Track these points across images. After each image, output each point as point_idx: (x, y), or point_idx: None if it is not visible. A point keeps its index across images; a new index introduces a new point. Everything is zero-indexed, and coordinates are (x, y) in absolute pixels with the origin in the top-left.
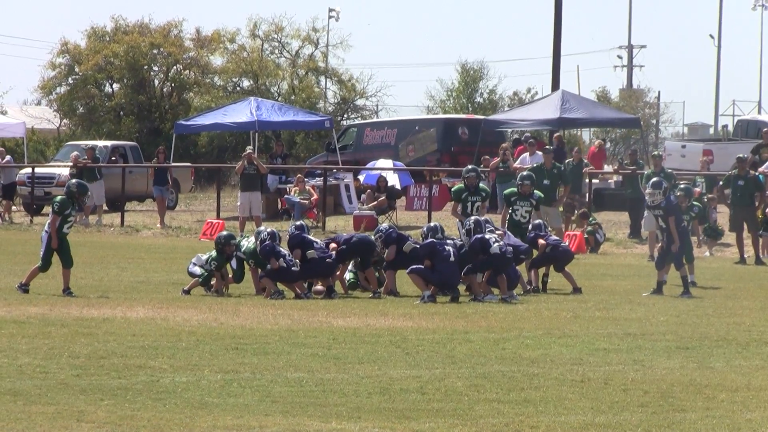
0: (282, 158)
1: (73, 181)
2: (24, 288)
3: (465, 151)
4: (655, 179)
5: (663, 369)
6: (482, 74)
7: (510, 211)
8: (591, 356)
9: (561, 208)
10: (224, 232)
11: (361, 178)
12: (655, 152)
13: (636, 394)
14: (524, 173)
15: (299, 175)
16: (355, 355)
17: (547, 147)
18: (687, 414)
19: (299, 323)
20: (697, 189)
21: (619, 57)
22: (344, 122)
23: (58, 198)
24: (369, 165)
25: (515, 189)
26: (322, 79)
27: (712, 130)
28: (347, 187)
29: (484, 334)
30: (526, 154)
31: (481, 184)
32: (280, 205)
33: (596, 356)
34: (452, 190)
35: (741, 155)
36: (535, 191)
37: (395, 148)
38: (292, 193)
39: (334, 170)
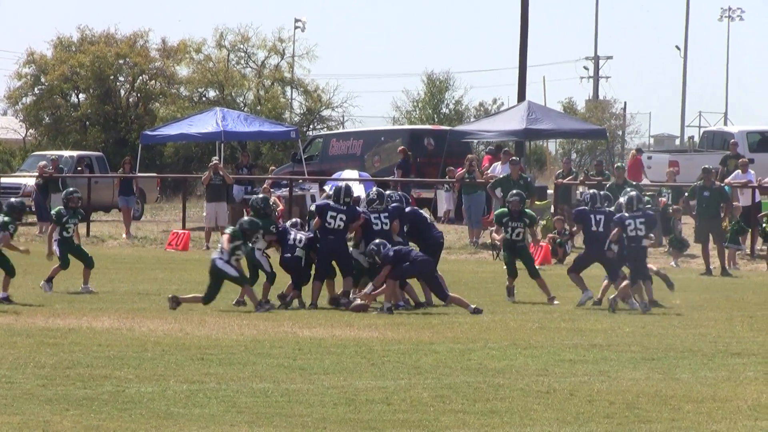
0: (248, 169)
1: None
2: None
3: (431, 162)
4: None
5: (629, 380)
6: (448, 85)
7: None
8: (557, 367)
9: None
10: (260, 195)
11: (327, 188)
12: (619, 164)
13: (602, 405)
14: (513, 191)
15: (265, 185)
16: (321, 366)
17: (514, 158)
18: (653, 425)
19: (265, 333)
20: (663, 199)
21: (586, 68)
22: (310, 133)
23: (56, 209)
24: (335, 176)
25: (506, 209)
26: (288, 89)
27: (678, 142)
28: (313, 197)
29: (450, 344)
30: (498, 164)
31: (527, 210)
32: (245, 216)
33: (562, 367)
34: (495, 213)
35: (707, 166)
36: (527, 209)
37: (361, 159)
38: None
39: (300, 181)
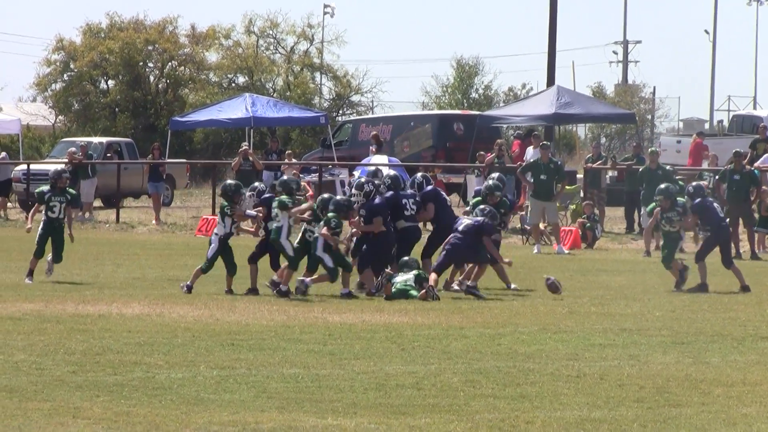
0: (277, 154)
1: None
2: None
3: (460, 147)
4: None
5: (659, 364)
6: (477, 70)
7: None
8: (586, 352)
9: (558, 203)
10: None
11: (357, 174)
12: (653, 148)
13: (632, 390)
14: (490, 183)
15: (295, 171)
16: (351, 351)
17: (545, 142)
18: (683, 409)
19: (295, 319)
20: (704, 182)
21: (615, 53)
22: (339, 118)
23: (40, 188)
24: (364, 161)
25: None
26: (317, 75)
27: (707, 125)
28: (342, 183)
29: (480, 329)
30: (530, 148)
31: (506, 198)
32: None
33: (592, 352)
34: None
35: (738, 150)
36: (505, 198)
37: (391, 144)
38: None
39: (330, 166)
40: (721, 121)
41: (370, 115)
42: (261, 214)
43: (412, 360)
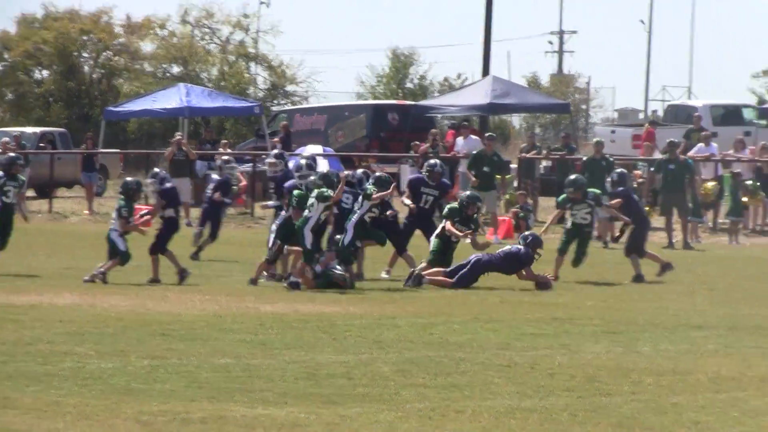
0: (211, 144)
1: None
2: None
3: (394, 136)
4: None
5: (590, 353)
6: (412, 60)
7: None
8: (518, 341)
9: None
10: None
11: (290, 164)
12: (597, 138)
13: (562, 379)
14: (471, 194)
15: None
16: (282, 341)
17: (490, 134)
18: (613, 398)
19: (226, 309)
20: (638, 171)
21: (550, 43)
22: (274, 108)
23: None
24: (298, 151)
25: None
26: (252, 65)
27: (642, 115)
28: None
29: (412, 319)
30: (460, 138)
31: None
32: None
33: (523, 341)
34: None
35: (672, 140)
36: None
37: (325, 134)
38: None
39: (264, 156)
40: (655, 111)
41: (304, 105)
42: (156, 208)
43: (343, 350)
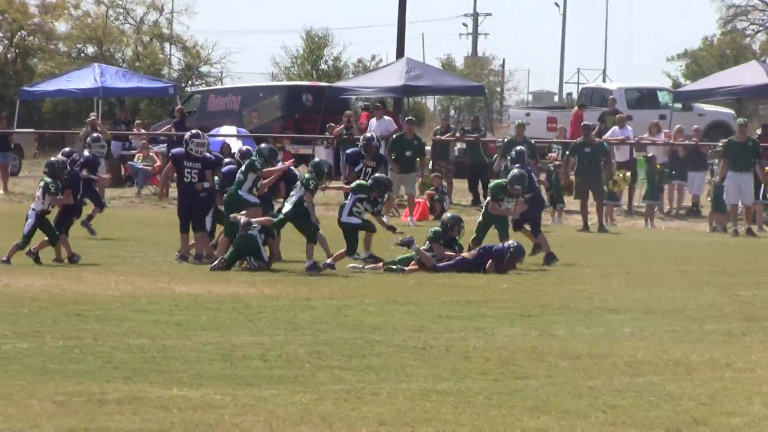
0: (126, 124)
1: None
2: None
3: (309, 118)
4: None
5: (505, 336)
6: (327, 41)
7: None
8: (433, 323)
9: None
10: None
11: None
12: (519, 121)
13: (477, 362)
14: (455, 216)
15: (143, 141)
16: (197, 322)
17: (410, 118)
18: (529, 381)
19: (141, 289)
20: (553, 154)
21: (465, 25)
22: (189, 89)
23: None
24: (213, 132)
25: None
26: (167, 45)
27: (556, 98)
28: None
29: (327, 301)
30: (374, 119)
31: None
32: (123, 172)
33: (438, 323)
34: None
35: (587, 123)
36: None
37: (239, 115)
38: (135, 160)
39: (177, 137)
40: (570, 94)
41: (219, 86)
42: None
43: (258, 331)
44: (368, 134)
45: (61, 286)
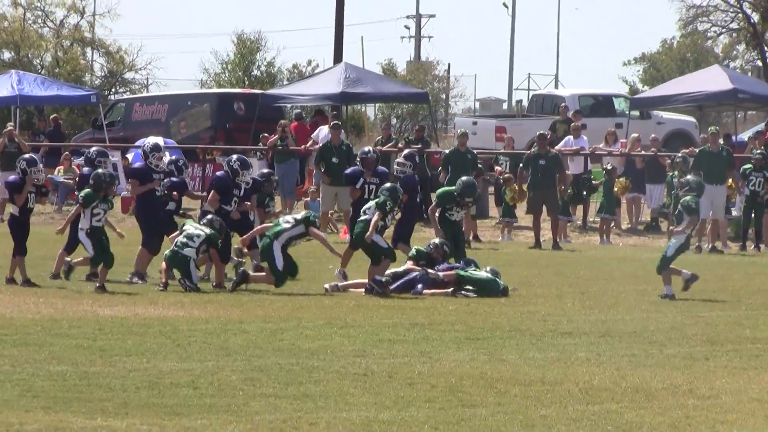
0: (45, 135)
1: None
2: None
3: (241, 127)
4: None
5: (452, 361)
6: (259, 45)
7: None
8: (375, 348)
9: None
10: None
11: (130, 156)
12: (462, 130)
13: (423, 389)
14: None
15: (66, 153)
16: (123, 347)
17: (336, 122)
18: (477, 409)
19: (62, 312)
20: (499, 168)
21: (407, 27)
22: (112, 97)
23: None
24: (138, 143)
25: None
26: (89, 50)
27: (505, 106)
28: (114, 166)
29: (261, 324)
30: (324, 127)
31: None
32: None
33: (380, 348)
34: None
35: (542, 132)
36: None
37: (166, 125)
38: (56, 173)
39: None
40: (520, 101)
41: (144, 94)
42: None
43: (187, 356)
44: (364, 148)
45: None
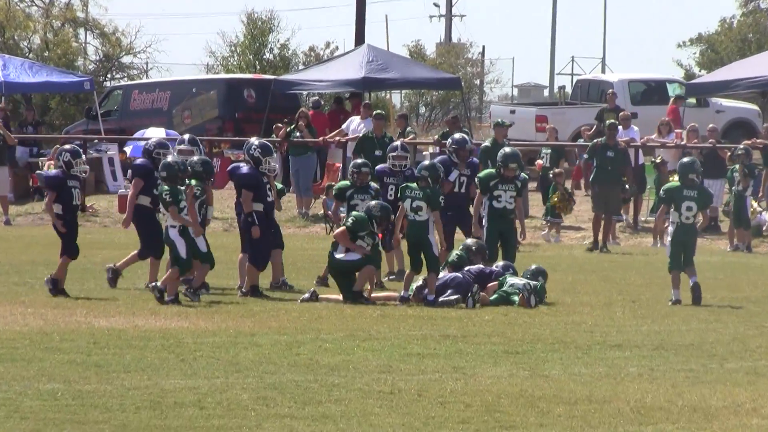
0: (34, 126)
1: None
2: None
3: (252, 117)
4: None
5: (488, 378)
6: (272, 26)
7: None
8: (402, 363)
9: None
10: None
11: (128, 150)
12: (499, 120)
13: (456, 408)
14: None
15: (56, 146)
16: (121, 363)
17: (379, 112)
18: (517, 431)
19: (53, 324)
20: (540, 162)
21: (436, 5)
22: (108, 83)
23: None
24: (137, 134)
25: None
26: (82, 31)
27: (546, 92)
28: (111, 160)
29: (275, 336)
30: (357, 117)
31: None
32: (31, 183)
33: (408, 363)
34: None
35: (612, 121)
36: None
37: (168, 115)
38: (45, 169)
39: (96, 141)
40: (563, 87)
41: (144, 80)
42: None
43: (193, 373)
44: (455, 136)
45: None
